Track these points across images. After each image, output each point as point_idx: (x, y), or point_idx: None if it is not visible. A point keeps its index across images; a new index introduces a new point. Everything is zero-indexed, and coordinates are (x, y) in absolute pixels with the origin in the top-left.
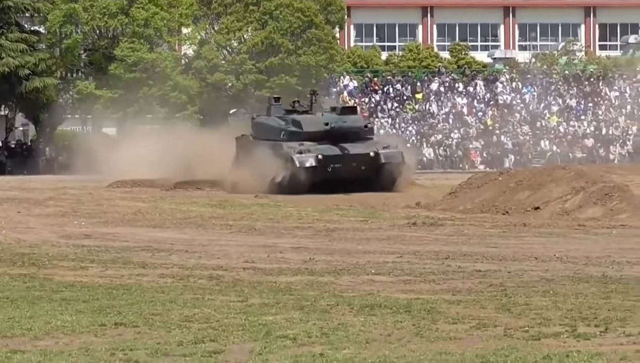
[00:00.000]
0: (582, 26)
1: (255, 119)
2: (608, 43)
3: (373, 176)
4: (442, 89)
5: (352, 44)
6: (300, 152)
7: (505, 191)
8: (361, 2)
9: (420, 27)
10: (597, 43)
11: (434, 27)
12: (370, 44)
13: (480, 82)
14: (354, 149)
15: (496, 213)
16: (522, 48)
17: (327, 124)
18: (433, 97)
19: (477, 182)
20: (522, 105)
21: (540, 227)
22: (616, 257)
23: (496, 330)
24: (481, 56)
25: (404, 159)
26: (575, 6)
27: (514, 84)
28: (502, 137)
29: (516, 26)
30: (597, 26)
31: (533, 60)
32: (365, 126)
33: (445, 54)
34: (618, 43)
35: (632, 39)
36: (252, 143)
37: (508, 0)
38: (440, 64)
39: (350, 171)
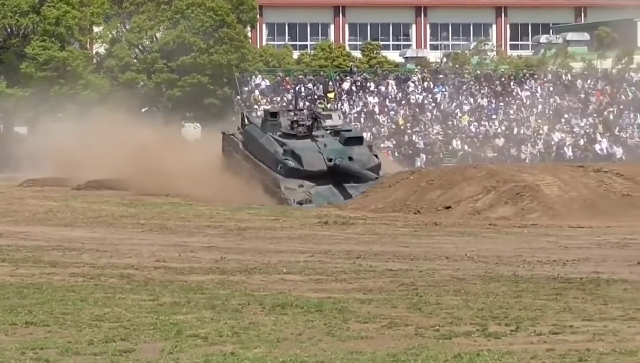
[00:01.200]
0: (494, 26)
1: (247, 126)
2: (519, 43)
3: None
4: (353, 88)
5: (264, 43)
6: (300, 203)
7: (416, 190)
8: (273, 1)
9: (332, 26)
10: (509, 43)
11: (346, 26)
12: (282, 43)
13: (392, 82)
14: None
15: (408, 213)
16: (434, 48)
17: (330, 160)
18: (345, 96)
19: (388, 181)
20: (433, 104)
21: (452, 226)
22: (527, 256)
23: (407, 329)
24: (393, 55)
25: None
26: (487, 6)
27: (425, 83)
28: (414, 137)
29: (428, 26)
30: (508, 26)
31: (445, 59)
32: (373, 170)
33: (357, 53)
34: (529, 43)
35: (543, 38)
36: (242, 153)
37: (420, 0)
38: (352, 63)
39: None
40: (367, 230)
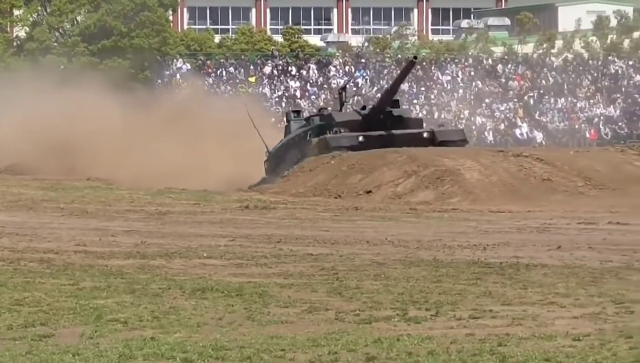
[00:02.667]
0: (415, 10)
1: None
2: (440, 27)
3: None
4: (275, 72)
5: (185, 26)
6: (336, 133)
7: (337, 175)
8: None
9: (253, 10)
10: (430, 27)
11: (267, 10)
12: (204, 26)
13: (313, 66)
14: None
15: (328, 197)
16: (355, 32)
17: (364, 108)
18: (266, 80)
19: (309, 166)
20: (355, 89)
21: (372, 210)
22: (447, 240)
23: (327, 313)
24: (314, 40)
25: (466, 138)
26: None
27: (347, 67)
28: None
29: (349, 10)
30: (429, 10)
31: (366, 44)
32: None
33: (279, 38)
34: (450, 27)
35: (464, 23)
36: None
37: None
38: (273, 47)
39: None
40: (287, 214)
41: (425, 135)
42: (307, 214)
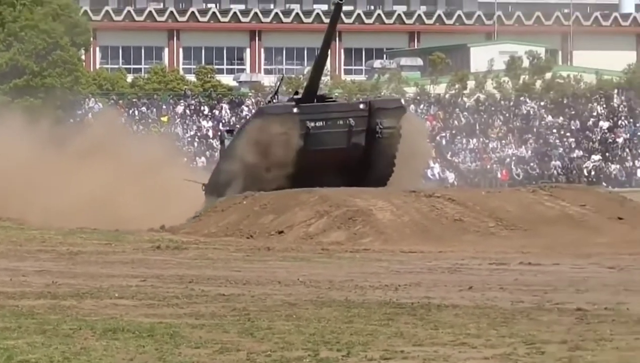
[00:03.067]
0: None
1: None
2: (353, 67)
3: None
4: (187, 111)
5: (97, 66)
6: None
7: (249, 215)
8: (107, 24)
9: (166, 49)
10: (343, 67)
11: (180, 49)
12: (116, 66)
13: (225, 106)
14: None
15: (240, 237)
16: (268, 72)
17: (296, 93)
18: (178, 120)
19: (221, 206)
20: None
21: (285, 251)
22: (359, 281)
23: (239, 354)
24: (227, 79)
25: (403, 106)
26: (321, 31)
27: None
28: None
29: (262, 50)
30: (342, 50)
31: (278, 83)
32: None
33: (191, 77)
34: (363, 67)
35: (377, 63)
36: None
37: (254, 24)
38: (185, 86)
39: (336, 137)
40: (199, 254)
41: (361, 106)
42: (219, 254)
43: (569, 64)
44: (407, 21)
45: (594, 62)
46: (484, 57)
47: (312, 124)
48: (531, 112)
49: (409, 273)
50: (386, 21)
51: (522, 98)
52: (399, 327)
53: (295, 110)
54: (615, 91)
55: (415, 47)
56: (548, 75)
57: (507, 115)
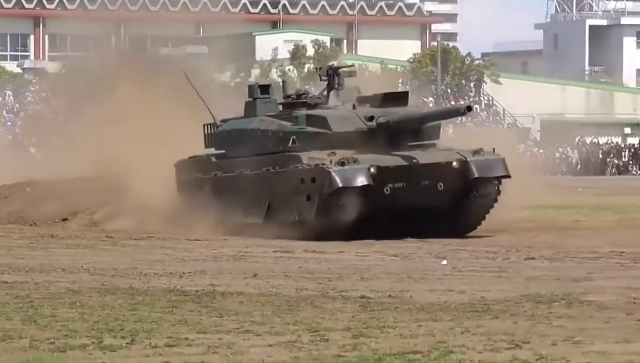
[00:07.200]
0: (113, 38)
1: (220, 127)
2: None
3: (454, 205)
4: None
5: None
6: (342, 164)
7: (33, 201)
8: None
9: None
10: None
11: None
12: None
13: (9, 92)
14: (424, 157)
15: (24, 224)
16: (52, 58)
17: (371, 119)
18: None
19: (4, 193)
20: (51, 115)
21: (69, 238)
22: (143, 268)
23: (22, 342)
24: (11, 66)
25: (507, 171)
26: (105, 18)
27: (43, 94)
28: (32, 148)
29: (46, 37)
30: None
31: (64, 70)
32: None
33: None
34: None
35: (164, 51)
36: (222, 166)
37: (38, 11)
38: None
39: (419, 195)
40: None
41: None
42: (1, 242)
43: (354, 53)
44: (192, 9)
45: (379, 52)
46: (269, 45)
47: None
48: None
49: (193, 261)
50: (171, 9)
51: (307, 86)
52: (183, 314)
53: None
54: (400, 80)
55: (201, 35)
56: (334, 63)
57: None
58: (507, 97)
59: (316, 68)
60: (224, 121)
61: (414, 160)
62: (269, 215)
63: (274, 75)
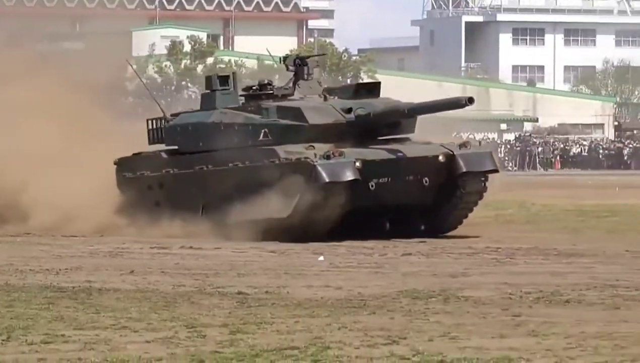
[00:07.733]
0: None
1: (171, 121)
2: None
3: (437, 202)
4: None
5: None
6: (327, 157)
7: None
8: None
9: None
10: None
11: None
12: None
13: None
14: (409, 150)
15: None
16: None
17: (349, 111)
18: None
19: None
20: None
21: None
22: (20, 265)
23: None
24: None
25: (496, 165)
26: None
27: None
28: None
29: None
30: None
31: None
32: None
33: None
34: None
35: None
36: (176, 162)
37: None
38: None
39: (403, 191)
40: None
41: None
42: None
43: (231, 49)
44: (68, 4)
45: (256, 48)
46: (146, 41)
47: None
48: (192, 97)
49: (70, 257)
50: (47, 4)
51: (183, 82)
52: (59, 310)
53: None
54: (277, 76)
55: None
56: (210, 60)
57: (169, 99)
58: (384, 93)
59: (281, 58)
60: (174, 115)
61: (400, 154)
62: (236, 213)
63: (151, 71)
